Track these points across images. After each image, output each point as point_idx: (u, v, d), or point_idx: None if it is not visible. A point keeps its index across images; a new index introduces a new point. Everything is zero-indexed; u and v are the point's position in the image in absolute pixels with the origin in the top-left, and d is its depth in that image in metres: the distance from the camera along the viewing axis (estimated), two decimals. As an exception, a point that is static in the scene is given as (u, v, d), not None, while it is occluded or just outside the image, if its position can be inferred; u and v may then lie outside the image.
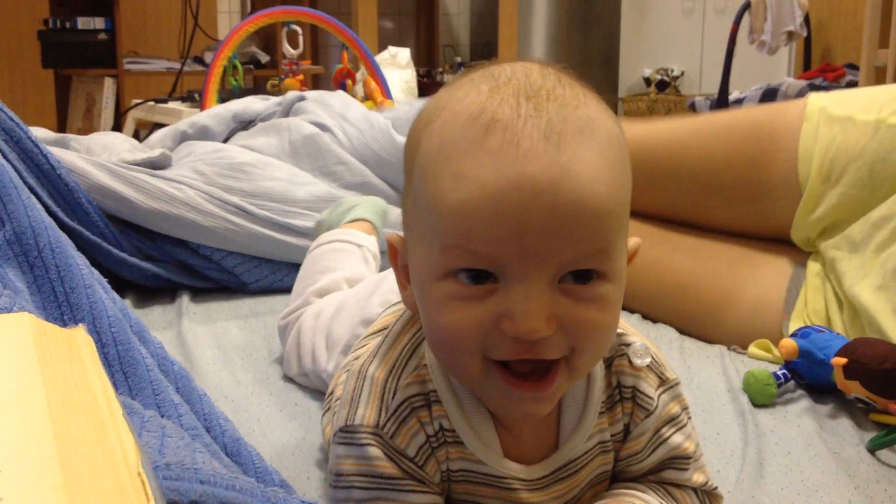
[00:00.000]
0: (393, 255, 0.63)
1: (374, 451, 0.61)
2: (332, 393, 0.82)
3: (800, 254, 1.25)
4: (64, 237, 0.81)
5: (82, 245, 1.25)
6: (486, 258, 0.53)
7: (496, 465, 0.63)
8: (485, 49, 4.84)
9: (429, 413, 0.62)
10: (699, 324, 1.24)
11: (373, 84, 2.46)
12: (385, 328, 0.80)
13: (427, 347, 0.64)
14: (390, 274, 0.96)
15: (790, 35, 3.59)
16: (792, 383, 1.04)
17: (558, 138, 0.52)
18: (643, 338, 0.67)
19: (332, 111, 1.66)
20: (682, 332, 1.24)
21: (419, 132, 0.59)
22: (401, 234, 0.62)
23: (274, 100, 1.78)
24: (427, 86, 4.29)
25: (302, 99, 1.72)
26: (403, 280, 0.62)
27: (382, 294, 0.91)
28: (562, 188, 0.51)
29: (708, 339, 1.21)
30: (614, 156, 0.55)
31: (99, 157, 1.45)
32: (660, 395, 0.67)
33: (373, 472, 0.61)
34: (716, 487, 0.69)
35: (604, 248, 0.54)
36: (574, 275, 0.54)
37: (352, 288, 1.05)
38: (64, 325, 0.70)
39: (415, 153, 0.58)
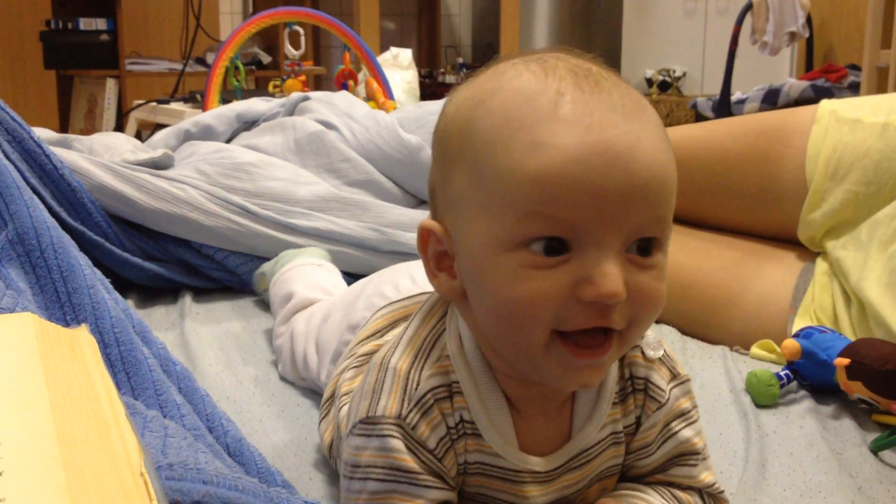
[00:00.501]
0: (423, 243, 0.62)
1: (396, 443, 0.61)
2: (330, 398, 0.81)
3: (809, 253, 1.26)
4: (66, 237, 0.82)
5: (85, 245, 1.25)
6: (565, 224, 0.54)
7: (512, 457, 0.64)
8: (486, 50, 4.84)
9: (450, 404, 0.63)
10: (703, 322, 1.24)
11: (375, 85, 2.46)
12: (377, 331, 0.81)
13: (449, 338, 0.64)
14: (374, 277, 0.96)
15: (792, 36, 3.59)
16: (794, 384, 1.04)
17: (622, 111, 0.55)
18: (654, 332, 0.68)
19: (338, 110, 1.66)
20: (684, 332, 1.24)
21: (469, 111, 0.59)
22: (429, 221, 0.62)
23: (278, 100, 1.78)
24: (429, 87, 4.29)
25: (306, 99, 1.73)
26: (434, 268, 0.62)
27: (367, 298, 0.90)
28: (637, 155, 0.53)
29: (711, 338, 1.22)
30: (664, 134, 0.58)
31: (101, 157, 1.45)
32: (671, 389, 0.68)
33: (392, 464, 0.61)
34: (722, 491, 0.69)
35: (665, 217, 0.56)
36: (638, 245, 0.56)
37: (333, 289, 1.07)
38: (66, 325, 0.70)
39: (466, 131, 0.58)
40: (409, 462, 0.61)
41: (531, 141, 0.54)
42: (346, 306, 0.94)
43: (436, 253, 0.62)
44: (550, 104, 0.55)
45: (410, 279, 0.88)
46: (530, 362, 0.59)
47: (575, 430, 0.66)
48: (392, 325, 0.80)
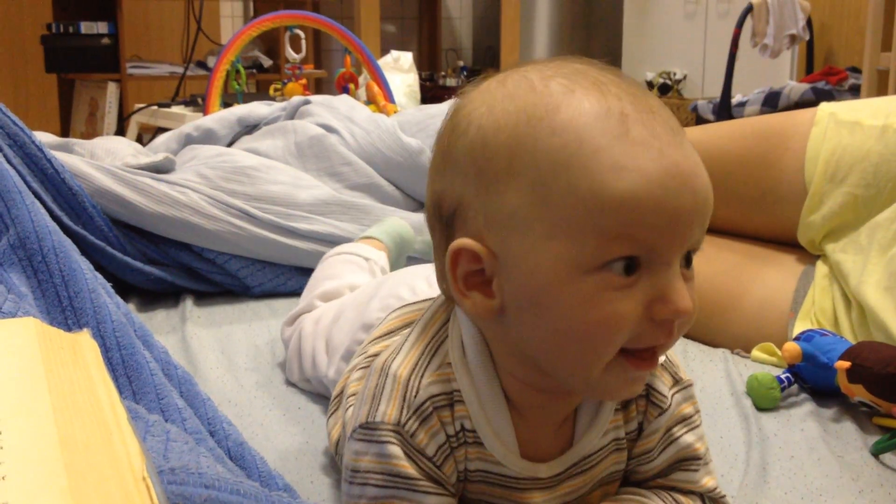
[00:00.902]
0: (454, 264, 0.59)
1: (394, 449, 0.61)
2: (339, 395, 0.82)
3: (809, 256, 1.26)
4: (68, 241, 0.82)
5: (86, 249, 1.25)
6: (644, 244, 0.55)
7: (514, 466, 0.64)
8: (487, 53, 4.84)
9: (451, 413, 0.62)
10: (703, 325, 1.24)
11: (375, 88, 2.47)
12: (389, 332, 0.81)
13: (451, 346, 0.64)
14: (389, 278, 0.96)
15: (792, 38, 3.60)
16: (795, 387, 1.04)
17: (674, 132, 0.56)
18: None
19: (339, 113, 1.66)
20: (685, 335, 1.24)
21: (521, 127, 0.57)
22: (466, 240, 0.59)
23: (278, 104, 1.79)
24: (430, 90, 4.30)
25: (307, 102, 1.73)
26: (463, 288, 0.60)
27: (382, 299, 0.91)
28: (698, 173, 0.56)
29: (712, 341, 1.22)
30: None
31: (103, 161, 1.46)
32: (673, 395, 0.68)
33: (390, 470, 0.61)
34: (724, 496, 0.69)
35: (705, 231, 0.58)
36: (685, 258, 0.58)
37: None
38: (68, 329, 0.71)
39: (521, 149, 0.56)
40: (408, 468, 0.61)
41: (613, 164, 0.54)
42: (359, 306, 0.94)
43: (466, 272, 0.60)
44: (620, 125, 0.55)
45: (426, 282, 0.88)
46: (585, 380, 0.59)
47: (577, 436, 0.66)
48: (405, 326, 0.80)
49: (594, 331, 0.56)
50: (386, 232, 1.26)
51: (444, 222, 0.61)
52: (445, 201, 0.61)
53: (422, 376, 0.63)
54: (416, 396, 0.62)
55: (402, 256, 1.30)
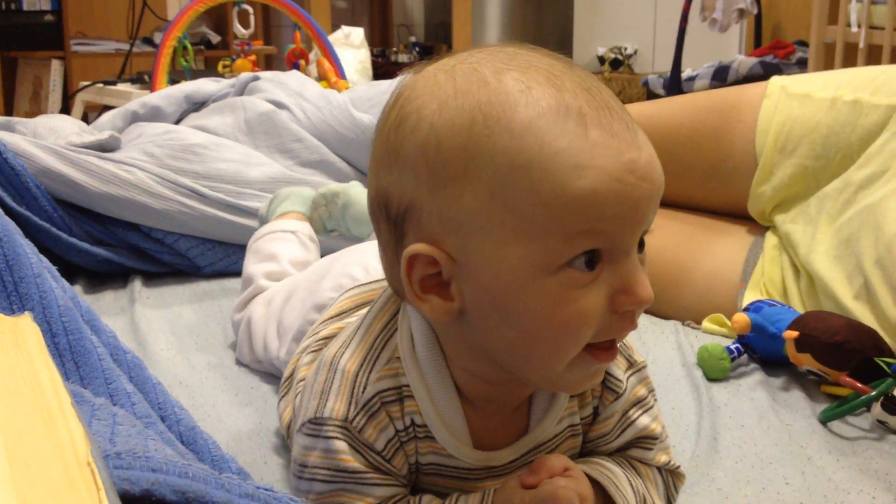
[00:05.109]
0: (409, 269, 0.58)
1: (340, 445, 0.61)
2: (289, 377, 0.81)
3: (758, 227, 1.27)
4: (11, 224, 0.80)
5: (30, 231, 1.23)
6: (605, 236, 0.55)
7: (467, 457, 0.64)
8: (439, 28, 4.82)
9: (400, 408, 0.62)
10: (655, 297, 1.25)
11: (326, 64, 2.44)
12: (342, 312, 0.80)
13: (401, 339, 0.63)
14: (341, 256, 0.95)
15: (741, 12, 3.62)
16: (745, 357, 1.05)
17: (626, 124, 0.57)
18: None
19: (289, 89, 1.64)
20: (637, 308, 1.25)
21: (477, 128, 0.55)
22: (423, 246, 0.57)
23: (227, 80, 1.76)
24: (381, 66, 4.26)
25: (256, 79, 1.70)
26: (419, 292, 0.58)
27: (334, 278, 0.90)
28: (653, 166, 0.57)
29: (663, 313, 1.23)
30: None
31: (46, 140, 1.42)
32: (628, 378, 0.68)
33: (337, 465, 0.61)
34: (678, 466, 0.70)
35: (656, 212, 0.59)
36: (640, 243, 0.59)
37: (300, 271, 1.05)
38: (12, 314, 0.69)
39: (478, 151, 0.55)
40: (354, 463, 0.61)
41: (574, 164, 0.54)
42: (310, 285, 0.93)
43: (422, 276, 0.58)
44: (578, 126, 0.55)
45: (379, 260, 0.88)
46: (548, 376, 0.59)
47: (532, 424, 0.66)
48: (357, 307, 0.80)
49: (561, 330, 0.56)
50: (295, 202, 1.22)
51: (393, 221, 0.59)
52: (393, 199, 0.59)
53: (370, 371, 0.62)
54: (364, 392, 0.62)
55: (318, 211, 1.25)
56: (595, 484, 0.64)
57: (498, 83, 0.56)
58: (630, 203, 0.55)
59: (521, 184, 0.54)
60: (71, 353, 0.67)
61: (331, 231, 1.21)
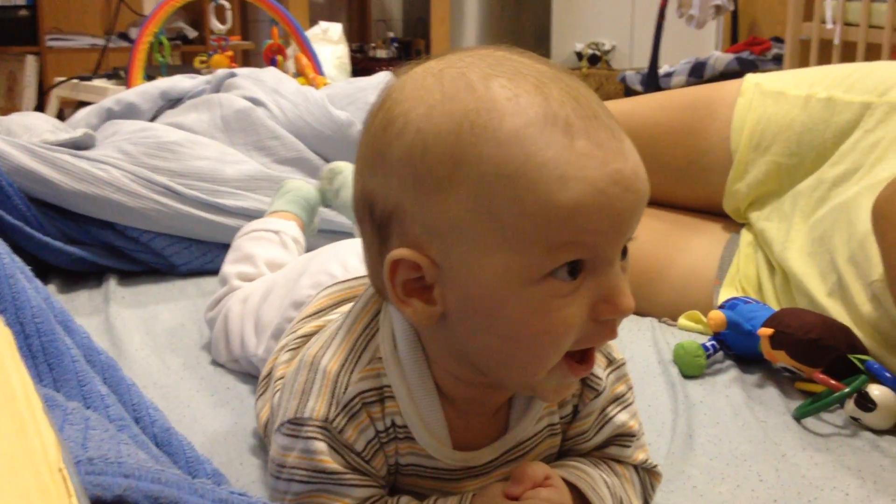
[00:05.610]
0: (393, 273, 0.58)
1: (319, 446, 0.61)
2: (267, 376, 0.81)
3: (734, 224, 1.28)
4: (-19, 223, 0.79)
5: (3, 229, 1.22)
6: (588, 247, 0.55)
7: (447, 459, 0.64)
8: (418, 24, 4.80)
9: (381, 409, 0.62)
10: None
11: (304, 60, 2.43)
12: (320, 310, 0.80)
13: (382, 339, 0.63)
14: (318, 254, 0.95)
15: (718, 9, 3.64)
16: (720, 354, 1.06)
17: (613, 133, 0.56)
18: None
19: (266, 86, 1.64)
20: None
21: (463, 136, 0.55)
22: (406, 251, 0.57)
23: (203, 77, 1.75)
24: (360, 61, 4.25)
25: (233, 75, 1.70)
26: (402, 295, 0.58)
27: (313, 275, 0.90)
28: (638, 176, 0.56)
29: (640, 310, 1.23)
30: None
31: (19, 137, 1.41)
32: (608, 375, 0.68)
33: (315, 466, 0.61)
34: (656, 465, 0.71)
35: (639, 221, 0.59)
36: (623, 250, 0.58)
37: (274, 272, 1.04)
38: (-17, 315, 0.68)
39: (464, 159, 0.55)
40: (333, 464, 0.61)
41: (559, 176, 0.54)
42: (289, 282, 0.93)
43: (405, 280, 0.58)
44: (565, 136, 0.54)
45: (358, 258, 0.87)
46: (526, 383, 0.60)
47: (512, 424, 0.66)
48: (337, 304, 0.79)
49: (542, 339, 0.56)
50: (291, 201, 1.23)
51: (377, 222, 0.59)
52: (378, 202, 0.59)
53: (352, 372, 0.62)
54: (345, 392, 0.61)
55: (315, 216, 1.28)
56: (571, 486, 0.65)
57: (486, 90, 0.56)
58: (614, 215, 0.55)
59: (506, 193, 0.54)
60: (44, 355, 0.67)
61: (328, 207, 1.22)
